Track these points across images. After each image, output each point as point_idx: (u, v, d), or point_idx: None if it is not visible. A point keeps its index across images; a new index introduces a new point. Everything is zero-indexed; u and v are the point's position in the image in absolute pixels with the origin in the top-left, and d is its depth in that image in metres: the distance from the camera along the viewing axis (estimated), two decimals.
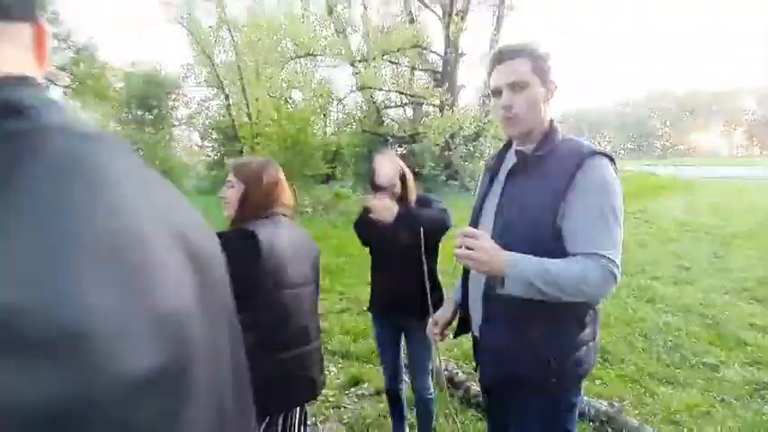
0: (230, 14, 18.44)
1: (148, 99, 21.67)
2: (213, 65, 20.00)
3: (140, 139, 21.10)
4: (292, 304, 1.35)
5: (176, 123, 23.80)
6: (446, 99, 14.82)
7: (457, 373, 2.78)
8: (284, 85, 18.48)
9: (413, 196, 1.84)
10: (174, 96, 23.10)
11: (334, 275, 5.47)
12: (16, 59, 0.36)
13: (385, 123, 19.66)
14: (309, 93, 17.07)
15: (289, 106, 15.08)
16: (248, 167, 1.40)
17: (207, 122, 23.48)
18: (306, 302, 1.42)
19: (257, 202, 1.36)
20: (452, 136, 14.70)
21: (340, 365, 3.13)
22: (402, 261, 1.80)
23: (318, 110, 16.80)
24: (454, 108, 15.03)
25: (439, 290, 1.90)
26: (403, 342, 2.05)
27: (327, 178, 14.76)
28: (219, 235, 1.21)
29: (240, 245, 1.24)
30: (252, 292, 1.23)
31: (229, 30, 18.67)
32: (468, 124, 14.63)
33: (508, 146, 1.34)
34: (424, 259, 1.72)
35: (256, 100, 16.01)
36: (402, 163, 1.83)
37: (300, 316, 1.38)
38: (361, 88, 16.59)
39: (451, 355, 3.03)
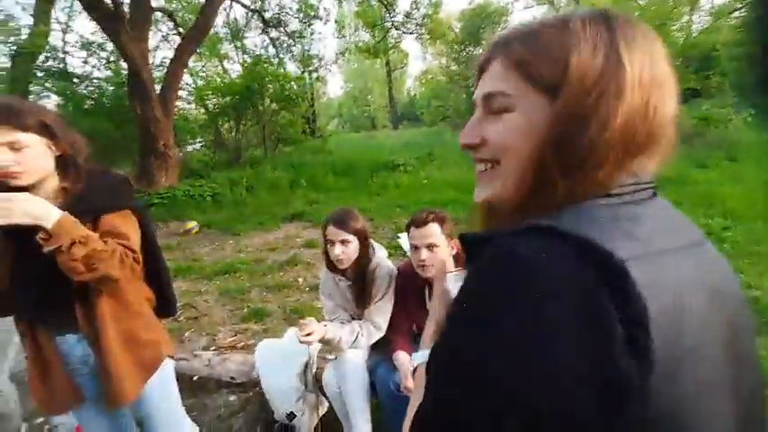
0: None
1: (480, 33, 22.47)
2: None
3: (473, 75, 22.66)
4: None
5: None
6: None
7: None
8: None
9: None
10: (503, 25, 22.87)
11: None
12: None
13: None
14: None
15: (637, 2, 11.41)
16: (558, 51, 0.42)
17: None
18: None
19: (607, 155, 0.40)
20: None
21: None
22: None
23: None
24: None
25: None
26: None
27: (693, 93, 10.58)
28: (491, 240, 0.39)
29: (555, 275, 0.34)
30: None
31: None
32: None
33: None
34: None
35: (592, 5, 13.09)
36: None
37: None
38: None
39: None
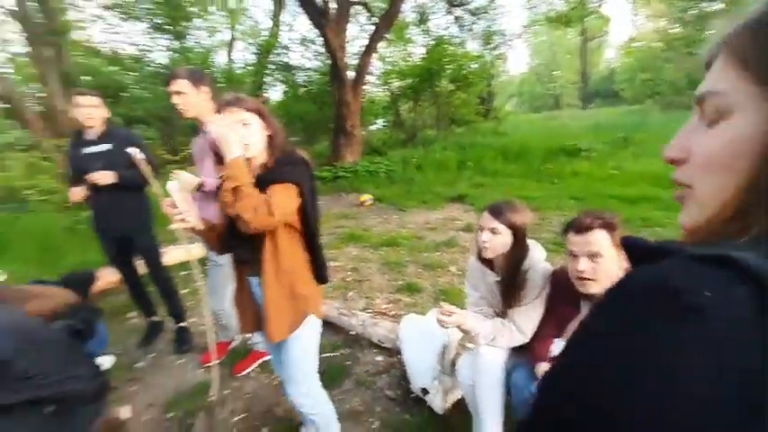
0: None
1: None
2: None
3: (700, 38, 17.72)
4: None
5: None
6: None
7: None
8: None
9: None
10: None
11: None
12: None
13: None
14: None
15: None
16: None
17: None
18: None
19: None
20: None
21: None
22: None
23: None
24: None
25: None
26: None
27: None
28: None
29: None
30: None
31: None
32: None
33: None
34: None
35: None
36: None
37: None
38: None
39: None
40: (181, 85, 2.05)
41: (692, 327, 0.26)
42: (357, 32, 12.23)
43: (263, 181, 1.30)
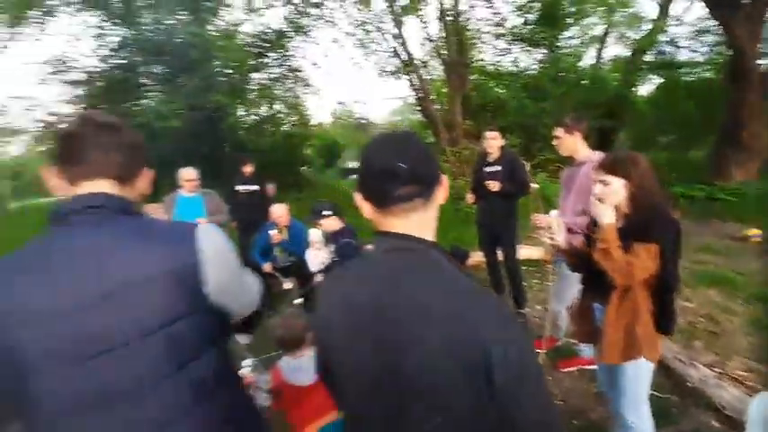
0: None
1: None
2: None
3: None
4: None
5: None
6: None
7: None
8: None
9: None
10: None
11: None
12: None
13: None
14: None
15: None
16: None
17: None
18: None
19: None
20: None
21: None
22: None
23: None
24: None
25: None
26: None
27: None
28: None
29: None
30: None
31: None
32: None
33: None
34: None
35: None
36: None
37: None
38: None
39: None
40: (559, 131, 2.64)
41: None
42: None
43: (627, 234, 1.56)
